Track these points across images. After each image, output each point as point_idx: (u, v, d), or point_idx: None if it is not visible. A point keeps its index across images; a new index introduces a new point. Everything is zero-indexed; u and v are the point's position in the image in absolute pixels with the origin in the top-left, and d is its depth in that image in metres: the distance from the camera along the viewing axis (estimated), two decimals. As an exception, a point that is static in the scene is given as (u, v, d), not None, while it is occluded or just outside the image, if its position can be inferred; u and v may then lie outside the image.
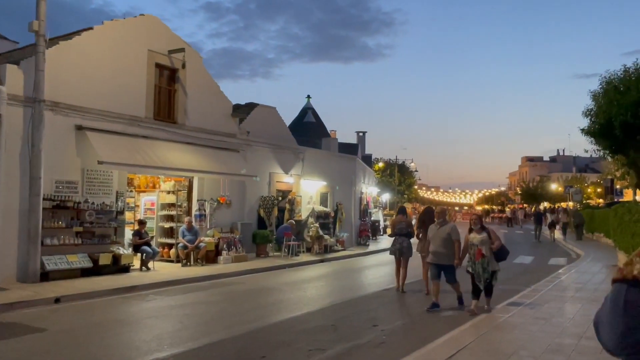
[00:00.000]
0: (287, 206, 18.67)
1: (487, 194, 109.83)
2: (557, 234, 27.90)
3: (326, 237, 18.81)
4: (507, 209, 58.49)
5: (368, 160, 36.51)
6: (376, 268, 16.40)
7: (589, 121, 14.10)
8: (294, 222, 17.85)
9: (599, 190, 56.99)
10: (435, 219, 9.68)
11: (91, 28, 13.14)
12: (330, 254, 18.49)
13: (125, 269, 12.80)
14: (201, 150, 15.18)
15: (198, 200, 15.35)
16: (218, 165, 15.35)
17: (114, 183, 13.16)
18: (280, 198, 18.74)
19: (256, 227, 17.24)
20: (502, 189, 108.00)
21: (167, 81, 14.77)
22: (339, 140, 47.81)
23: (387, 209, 46.76)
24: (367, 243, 23.09)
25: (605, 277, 12.84)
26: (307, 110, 33.97)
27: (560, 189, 63.04)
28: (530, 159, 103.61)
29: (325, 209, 20.04)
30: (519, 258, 18.57)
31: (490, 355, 5.84)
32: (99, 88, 12.78)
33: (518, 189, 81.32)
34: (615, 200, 31.90)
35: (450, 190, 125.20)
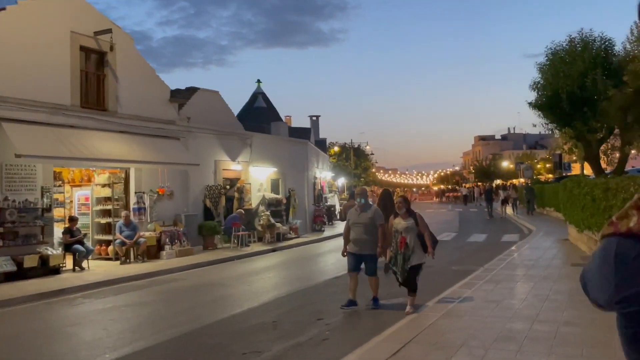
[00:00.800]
0: (236, 195, 17.89)
1: (442, 174, 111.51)
2: (509, 210, 28.63)
3: (278, 225, 18.15)
4: (463, 187, 59.25)
5: (322, 144, 35.94)
6: (329, 255, 15.88)
7: (536, 94, 13.85)
8: (243, 212, 17.10)
9: (548, 165, 58.46)
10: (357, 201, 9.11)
11: (3, 8, 11.90)
12: (283, 242, 17.86)
13: (56, 271, 11.80)
14: (136, 139, 14.18)
15: (136, 192, 14.37)
16: (156, 154, 14.39)
17: (38, 178, 12.07)
18: (228, 187, 17.93)
19: (202, 218, 16.40)
20: (457, 168, 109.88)
21: (94, 66, 13.65)
22: (295, 126, 47.10)
23: (345, 194, 46.59)
24: (323, 229, 22.57)
25: (557, 252, 12.73)
26: (258, 95, 33.00)
27: (511, 166, 64.37)
28: (483, 138, 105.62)
29: (276, 196, 19.35)
30: (472, 236, 18.47)
31: (437, 348, 5.35)
32: (15, 75, 11.61)
33: (471, 167, 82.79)
34: (564, 174, 32.53)
35: (407, 172, 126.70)
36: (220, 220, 16.75)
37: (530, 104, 13.77)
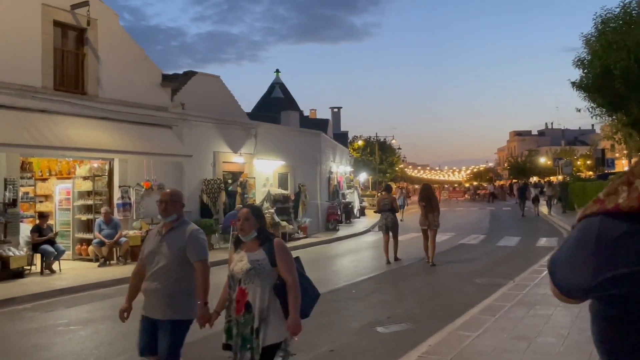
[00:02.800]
0: (239, 190, 16.28)
1: (475, 170, 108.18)
2: (545, 209, 26.72)
3: (284, 223, 16.45)
4: (485, 185, 56.37)
5: (343, 137, 34.08)
6: (341, 258, 14.10)
7: (581, 73, 11.53)
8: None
9: (588, 162, 55.23)
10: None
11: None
12: (289, 243, 16.14)
13: (18, 275, 10.39)
14: (121, 126, 12.68)
15: (120, 186, 12.89)
16: (143, 143, 12.87)
17: (1, 168, 10.67)
18: (230, 181, 16.32)
19: (198, 215, 14.82)
20: (491, 164, 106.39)
21: (73, 44, 12.19)
22: (320, 118, 45.25)
23: (370, 189, 44.52)
24: (337, 228, 20.77)
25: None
26: (275, 85, 31.40)
27: (549, 162, 61.23)
28: (519, 134, 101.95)
29: (284, 191, 17.64)
30: (503, 240, 16.38)
31: None
32: (-26, 51, 10.21)
33: (506, 164, 79.61)
34: (607, 172, 29.85)
35: (438, 168, 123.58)
36: (219, 218, 15.16)
37: (573, 83, 11.45)
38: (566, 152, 63.81)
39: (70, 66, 12.06)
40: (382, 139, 46.28)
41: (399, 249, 12.27)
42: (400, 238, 12.53)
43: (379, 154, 42.56)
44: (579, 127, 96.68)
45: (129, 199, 12.96)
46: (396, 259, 12.00)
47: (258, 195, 16.77)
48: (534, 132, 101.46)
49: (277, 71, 32.79)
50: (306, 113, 41.66)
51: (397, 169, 54.01)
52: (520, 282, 8.77)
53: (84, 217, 12.87)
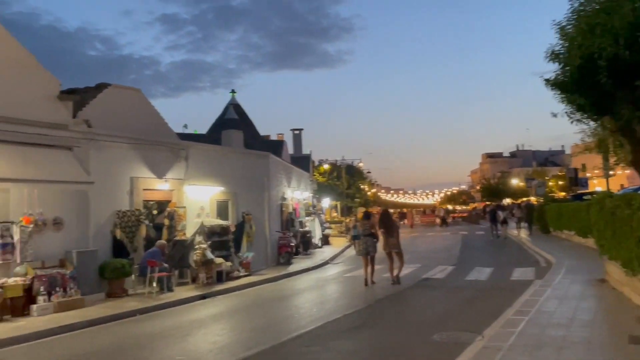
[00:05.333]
0: (166, 222, 13.84)
1: (448, 193, 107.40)
2: (516, 232, 26.65)
3: (219, 260, 14.01)
4: (442, 208, 54.62)
5: (305, 160, 31.93)
6: (286, 300, 11.65)
7: (558, 68, 9.45)
8: (167, 243, 13.04)
9: (560, 183, 54.18)
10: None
11: None
12: (225, 283, 13.71)
13: None
14: (1, 148, 10.22)
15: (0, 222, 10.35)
16: (28, 169, 10.41)
17: None
18: (155, 212, 13.89)
19: (110, 255, 12.31)
20: (464, 187, 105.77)
21: None
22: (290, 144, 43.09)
23: (338, 215, 42.27)
24: (291, 261, 18.38)
25: (596, 306, 8.47)
26: (229, 106, 29.21)
27: (521, 183, 60.18)
28: (491, 155, 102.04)
29: (222, 222, 15.23)
30: (473, 272, 14.23)
31: None
32: None
33: (479, 186, 78.71)
34: (580, 192, 28.29)
35: (410, 192, 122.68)
36: (135, 257, 12.66)
37: (547, 81, 9.43)
38: (538, 173, 62.97)
39: None
40: (350, 162, 44.30)
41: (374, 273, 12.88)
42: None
43: (346, 178, 40.50)
44: (550, 148, 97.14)
45: (11, 237, 10.41)
46: (373, 282, 12.64)
47: (190, 228, 14.34)
48: (506, 154, 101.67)
49: (233, 91, 30.65)
50: (273, 137, 39.60)
51: (368, 193, 52.05)
52: (492, 342, 6.53)
53: (-49, 263, 10.25)
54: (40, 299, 10.20)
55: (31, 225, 10.63)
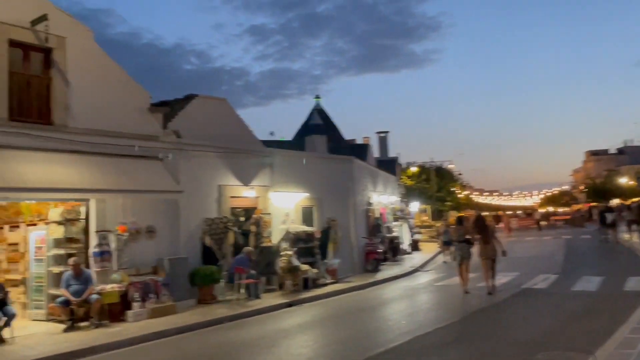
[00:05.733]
0: (252, 229, 13.95)
1: (549, 194, 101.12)
2: (627, 235, 23.91)
3: (305, 267, 13.88)
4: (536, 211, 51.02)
5: (392, 164, 31.27)
6: (372, 311, 11.21)
7: None
8: (254, 250, 13.11)
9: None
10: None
11: None
12: (311, 291, 13.55)
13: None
14: (96, 160, 10.76)
15: (97, 231, 10.88)
16: (121, 179, 10.87)
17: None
18: (242, 219, 14.04)
19: (200, 262, 12.58)
20: (566, 187, 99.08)
21: (36, 66, 10.49)
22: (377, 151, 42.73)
23: (428, 219, 40.95)
24: (378, 268, 17.90)
25: None
26: (314, 111, 29.31)
27: (631, 182, 55.24)
28: (595, 153, 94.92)
29: (307, 228, 15.12)
30: (580, 281, 12.95)
31: None
32: None
33: (582, 186, 73.36)
34: None
35: (507, 194, 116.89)
36: (223, 264, 12.85)
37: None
38: (651, 170, 57.41)
39: (32, 92, 10.32)
40: (439, 164, 42.91)
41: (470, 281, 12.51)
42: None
43: (435, 181, 39.23)
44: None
45: (108, 246, 10.92)
46: (467, 291, 12.13)
47: (275, 234, 14.37)
48: (612, 151, 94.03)
49: (317, 97, 30.84)
50: (359, 141, 39.28)
51: (460, 195, 50.13)
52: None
53: (55, 270, 10.92)
54: (135, 305, 10.57)
55: (126, 234, 11.11)
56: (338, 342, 8.31)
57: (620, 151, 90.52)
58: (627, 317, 8.26)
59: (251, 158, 14.20)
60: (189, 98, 13.35)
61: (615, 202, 52.49)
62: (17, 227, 11.76)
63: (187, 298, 11.86)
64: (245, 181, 13.93)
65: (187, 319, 10.41)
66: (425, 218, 40.37)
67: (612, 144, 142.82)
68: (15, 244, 11.72)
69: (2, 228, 12.15)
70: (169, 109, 12.58)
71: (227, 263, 12.87)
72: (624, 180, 59.71)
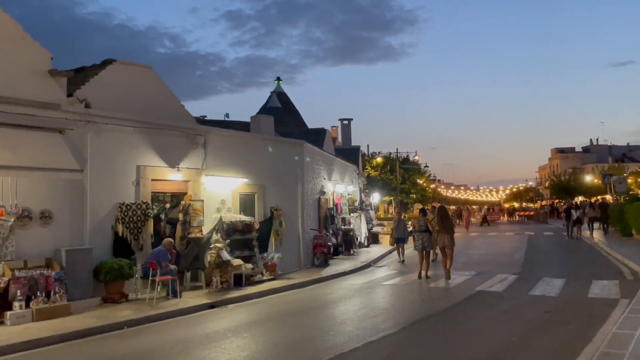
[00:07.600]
0: (180, 217, 12.24)
1: (514, 190, 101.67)
2: (588, 232, 23.98)
3: (237, 262, 12.24)
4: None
5: (353, 153, 29.76)
6: (302, 316, 9.61)
7: None
8: (173, 241, 11.41)
9: (640, 180, 49.06)
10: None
11: None
12: (244, 288, 11.93)
13: None
14: (-26, 129, 8.86)
15: (-27, 215, 9.00)
16: (7, 155, 9.00)
17: None
18: (167, 205, 12.30)
19: (110, 254, 10.80)
20: (531, 184, 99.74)
21: None
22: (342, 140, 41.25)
23: (395, 211, 39.74)
24: (327, 263, 16.40)
25: None
26: (273, 94, 27.54)
27: (596, 180, 55.16)
28: (561, 151, 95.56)
29: (244, 217, 13.47)
30: (541, 283, 11.70)
31: None
32: None
33: (547, 183, 73.58)
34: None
35: (473, 189, 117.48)
36: (139, 256, 11.11)
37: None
38: (615, 169, 57.47)
39: None
40: (404, 156, 41.68)
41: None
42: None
43: (400, 172, 37.96)
44: (627, 143, 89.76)
45: (-13, 233, 9.06)
46: (427, 277, 13.02)
47: (208, 224, 12.68)
48: (578, 149, 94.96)
49: (279, 79, 28.99)
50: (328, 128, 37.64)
51: (427, 189, 49.08)
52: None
53: None
54: (17, 305, 8.77)
55: (11, 219, 9.25)
56: (247, 357, 6.70)
57: (586, 150, 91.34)
58: (593, 333, 6.94)
59: (180, 136, 12.43)
60: (105, 63, 11.46)
61: (579, 199, 52.41)
62: None
63: (90, 296, 10.12)
64: (172, 162, 12.16)
65: (78, 323, 8.66)
66: (392, 210, 39.15)
67: (578, 143, 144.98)
68: None
69: None
70: (73, 72, 10.67)
71: (143, 256, 11.15)
72: (588, 178, 59.79)
